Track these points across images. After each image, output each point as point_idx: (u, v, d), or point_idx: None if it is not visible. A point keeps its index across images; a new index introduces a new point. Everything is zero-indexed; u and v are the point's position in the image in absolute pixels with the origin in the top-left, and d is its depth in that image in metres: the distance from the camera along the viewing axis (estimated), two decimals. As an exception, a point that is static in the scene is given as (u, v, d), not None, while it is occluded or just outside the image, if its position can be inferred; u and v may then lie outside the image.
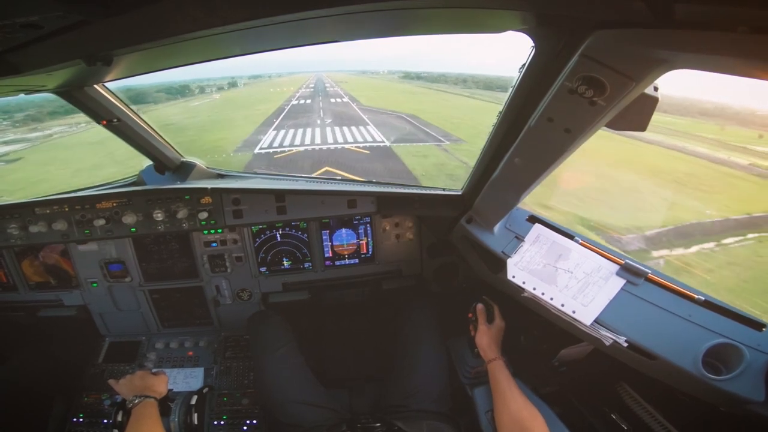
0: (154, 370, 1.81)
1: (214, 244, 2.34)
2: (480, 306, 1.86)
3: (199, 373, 2.32)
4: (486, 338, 1.73)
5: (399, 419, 1.68)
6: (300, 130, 18.93)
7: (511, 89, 1.22)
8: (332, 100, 33.74)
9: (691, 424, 1.42)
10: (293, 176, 2.57)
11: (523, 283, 1.59)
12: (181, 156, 2.48)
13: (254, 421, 2.08)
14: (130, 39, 0.91)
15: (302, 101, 33.67)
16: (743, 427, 1.21)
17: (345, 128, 18.95)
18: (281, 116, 23.96)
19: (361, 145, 15.74)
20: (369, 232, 2.40)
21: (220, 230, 2.30)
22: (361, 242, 2.41)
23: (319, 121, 21.67)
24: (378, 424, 1.67)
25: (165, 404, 1.72)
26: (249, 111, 27.34)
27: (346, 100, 33.72)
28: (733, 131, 12.24)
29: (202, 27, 0.82)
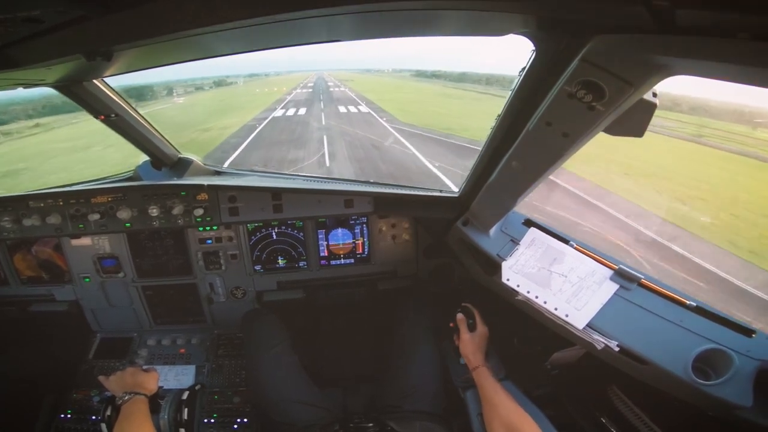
0: (144, 367, 1.79)
1: (209, 241, 2.32)
2: (460, 315, 1.83)
3: (190, 370, 2.31)
4: (470, 346, 1.72)
5: (392, 419, 1.68)
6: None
7: (510, 92, 1.23)
8: (341, 109, 22.08)
9: (680, 429, 1.43)
10: (290, 175, 2.56)
11: (518, 286, 1.60)
12: (179, 152, 2.47)
13: (245, 420, 2.07)
14: (131, 35, 0.91)
15: (291, 111, 21.93)
16: None
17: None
18: (229, 161, 11.67)
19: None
20: (365, 232, 2.40)
21: (215, 227, 2.29)
22: (357, 242, 2.41)
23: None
24: (370, 424, 1.67)
25: (155, 401, 1.70)
26: (190, 132, 17.02)
27: (364, 109, 21.81)
28: None
29: (202, 24, 0.82)
